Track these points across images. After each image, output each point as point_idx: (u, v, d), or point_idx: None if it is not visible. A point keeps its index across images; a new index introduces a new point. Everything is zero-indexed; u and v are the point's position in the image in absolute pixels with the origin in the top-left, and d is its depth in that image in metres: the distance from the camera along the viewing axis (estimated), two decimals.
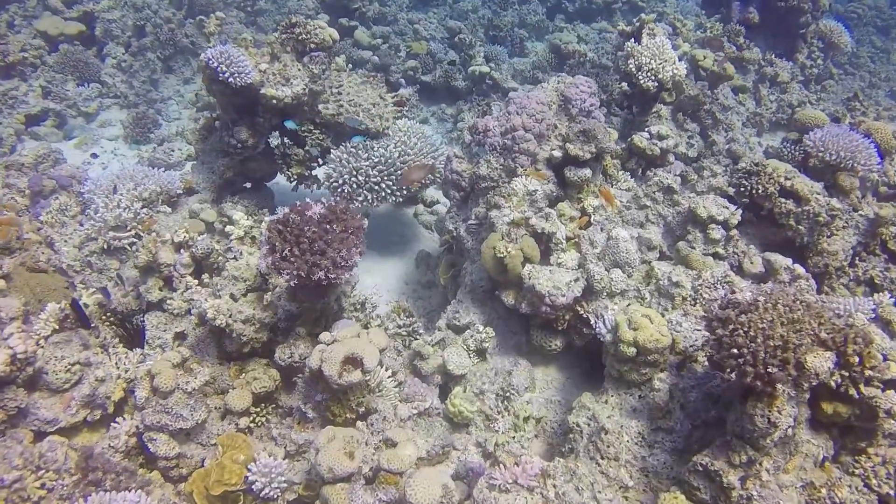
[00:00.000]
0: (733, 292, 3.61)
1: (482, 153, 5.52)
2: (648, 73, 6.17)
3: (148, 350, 4.07)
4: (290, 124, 6.03)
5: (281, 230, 3.60)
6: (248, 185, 6.94)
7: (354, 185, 6.08)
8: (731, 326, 3.40)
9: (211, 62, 5.63)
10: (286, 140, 6.51)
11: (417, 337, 4.93)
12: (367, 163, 6.07)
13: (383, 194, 6.13)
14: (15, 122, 8.50)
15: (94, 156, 8.22)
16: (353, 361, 3.39)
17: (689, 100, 7.74)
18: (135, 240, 5.69)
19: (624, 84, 7.09)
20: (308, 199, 3.95)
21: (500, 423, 4.32)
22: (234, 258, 4.37)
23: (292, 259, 3.53)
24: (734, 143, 7.80)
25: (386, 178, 6.11)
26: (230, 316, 3.77)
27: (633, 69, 6.24)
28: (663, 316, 4.74)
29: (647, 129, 6.29)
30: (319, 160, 6.57)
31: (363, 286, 6.37)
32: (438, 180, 6.49)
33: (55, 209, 6.23)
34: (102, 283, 5.16)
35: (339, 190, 6.13)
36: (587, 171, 5.33)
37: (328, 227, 3.60)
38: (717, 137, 7.86)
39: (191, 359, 3.75)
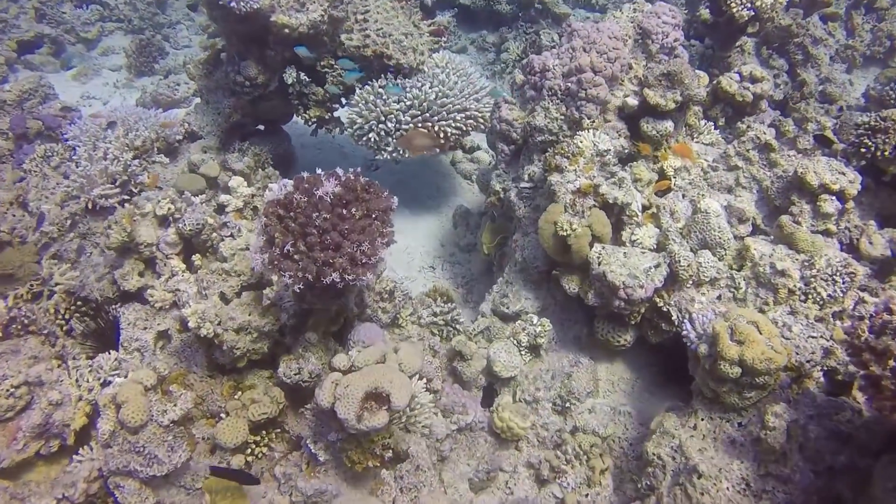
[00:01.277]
0: (891, 311, 2.68)
1: (538, 98, 4.50)
2: (745, 1, 5.02)
3: (123, 354, 3.27)
4: (301, 50, 5.01)
5: (282, 216, 2.71)
6: (261, 126, 6.02)
7: (382, 133, 5.12)
8: (893, 363, 2.48)
9: None
10: (303, 77, 5.52)
11: (457, 328, 4.07)
12: (397, 106, 5.08)
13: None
14: (6, 50, 7.59)
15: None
16: (377, 398, 2.55)
17: (777, 31, 6.52)
18: (126, 198, 4.85)
19: (705, 9, 5.92)
20: (321, 168, 3.04)
21: (570, 476, 3.46)
22: (231, 236, 3.50)
23: (296, 256, 2.65)
24: (830, 84, 6.61)
25: (420, 124, 5.13)
26: (219, 324, 2.94)
27: None
28: (764, 312, 3.81)
29: (735, 70, 5.18)
30: (343, 99, 5.59)
31: (392, 249, 5.50)
32: (482, 127, 5.48)
33: (39, 156, 5.39)
34: (87, 253, 4.34)
35: (364, 138, 5.18)
36: (668, 124, 4.30)
37: (344, 211, 2.70)
38: (807, 76, 6.67)
39: (171, 376, 2.94)
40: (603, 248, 3.83)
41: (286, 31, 4.95)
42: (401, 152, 5.19)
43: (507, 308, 4.20)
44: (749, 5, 5.04)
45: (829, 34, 7.89)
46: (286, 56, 5.27)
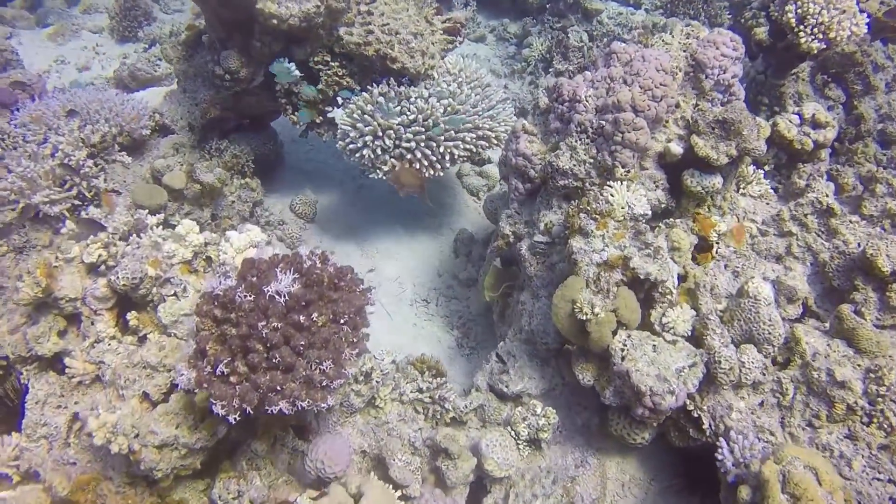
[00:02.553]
0: None
1: (564, 133, 3.78)
2: (815, 30, 4.24)
3: (26, 442, 2.62)
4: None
5: (219, 319, 2.03)
6: (247, 121, 5.30)
7: (378, 150, 4.40)
8: None
9: None
10: (293, 71, 4.78)
11: (445, 405, 3.41)
12: (397, 120, 4.35)
13: (418, 165, 4.44)
14: None
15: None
16: None
17: (839, 57, 5.73)
18: (77, 202, 4.17)
19: (762, 30, 5.15)
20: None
21: None
22: (175, 295, 2.83)
23: (234, 378, 1.97)
24: (891, 123, 5.84)
25: (423, 143, 4.41)
26: (136, 436, 2.28)
27: (792, 20, 4.30)
28: (815, 429, 3.16)
29: (795, 111, 4.44)
30: (339, 99, 4.85)
31: (382, 276, 4.84)
32: (497, 146, 4.76)
33: None
34: (16, 273, 3.66)
35: (356, 155, 4.46)
36: (717, 180, 3.60)
37: (302, 318, 2.01)
38: (865, 110, 5.90)
39: (79, 479, 2.29)
40: (629, 336, 3.15)
41: (274, 21, 4.19)
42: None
43: (507, 387, 3.54)
44: (821, 37, 4.26)
45: (889, 58, 7.09)
46: (274, 49, 4.52)
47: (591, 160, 3.61)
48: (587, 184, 3.63)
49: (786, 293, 3.68)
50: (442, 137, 4.38)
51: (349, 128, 4.39)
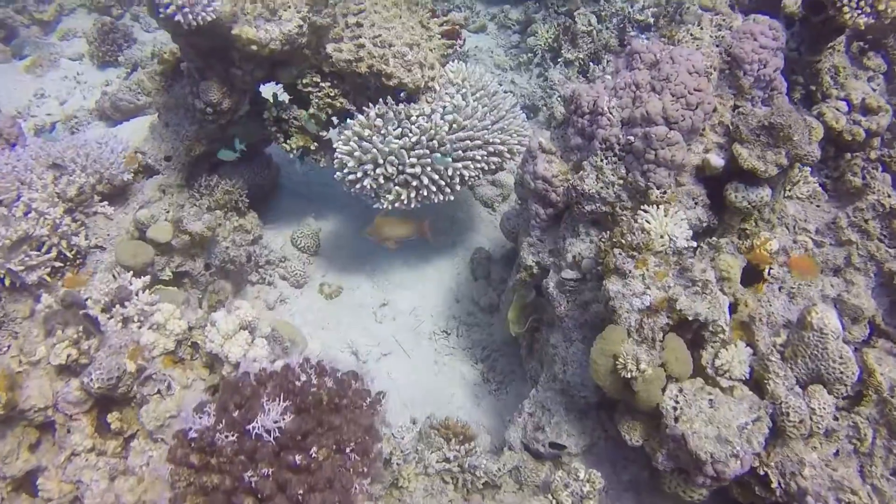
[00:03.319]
0: None
1: (587, 150, 3.35)
2: (861, 2, 3.74)
3: None
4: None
5: (197, 467, 1.65)
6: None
7: (381, 179, 3.98)
8: None
9: None
10: (280, 100, 4.38)
11: (476, 473, 3.03)
12: (398, 142, 3.93)
13: (426, 192, 4.03)
14: None
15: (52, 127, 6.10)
16: None
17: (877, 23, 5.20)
18: (59, 265, 3.81)
19: (793, 1, 4.64)
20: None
21: None
22: (159, 393, 2.46)
23: None
24: None
25: (430, 166, 3.99)
26: None
27: None
28: None
29: (839, 94, 3.97)
30: (335, 119, 4.44)
31: (397, 310, 4.46)
32: (511, 160, 4.33)
33: None
34: None
35: (357, 186, 4.05)
36: (765, 192, 3.15)
37: (298, 458, 1.63)
38: None
39: None
40: (680, 390, 2.74)
41: (253, 47, 3.77)
42: (405, 201, 4.07)
43: (544, 447, 3.15)
44: (869, 10, 3.76)
45: None
46: (257, 75, 4.11)
47: (621, 181, 3.17)
48: (618, 208, 3.20)
49: (850, 313, 3.25)
50: (444, 165, 3.96)
51: (347, 157, 3.98)
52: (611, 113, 3.21)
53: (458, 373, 4.37)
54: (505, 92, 4.47)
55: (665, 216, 3.00)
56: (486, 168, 4.17)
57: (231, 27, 3.76)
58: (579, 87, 3.42)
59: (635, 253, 2.87)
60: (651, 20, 6.09)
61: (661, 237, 2.94)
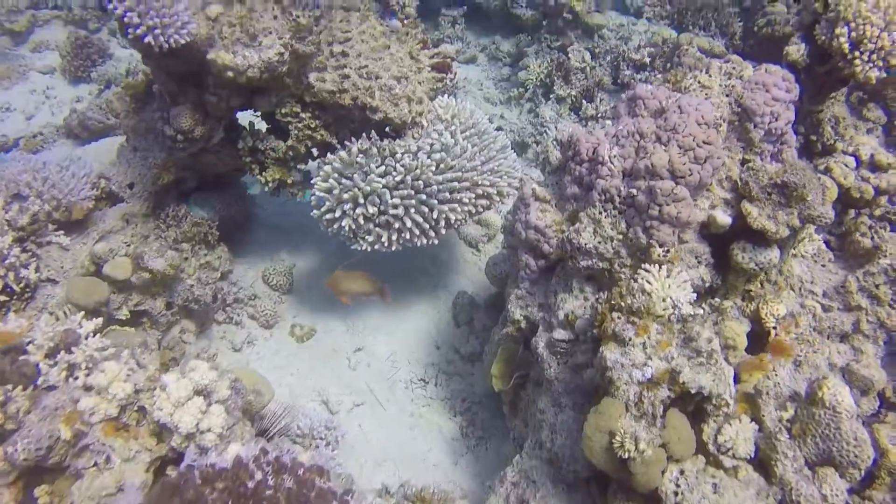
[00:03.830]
0: None
1: (585, 201, 3.12)
2: (873, 56, 3.57)
3: None
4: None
5: None
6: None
7: (361, 219, 3.72)
8: None
9: (114, 8, 3.18)
10: (257, 129, 4.12)
11: None
12: (380, 181, 3.67)
13: (408, 234, 3.77)
14: None
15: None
16: None
17: None
18: (5, 300, 3.50)
19: (797, 49, 4.49)
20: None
21: None
22: (96, 465, 2.15)
23: None
24: None
25: (414, 207, 3.73)
26: None
27: (845, 45, 3.63)
28: None
29: (848, 150, 3.80)
30: (314, 150, 4.18)
31: (372, 356, 4.17)
32: (500, 202, 4.09)
33: None
34: None
35: (335, 226, 3.78)
36: (773, 255, 2.94)
37: None
38: None
39: None
40: (682, 473, 2.49)
41: (230, 74, 3.51)
42: (385, 244, 3.80)
43: None
44: (881, 64, 3.59)
45: None
46: (233, 103, 3.84)
47: (620, 236, 2.94)
48: (616, 265, 2.96)
49: (859, 384, 3.04)
50: (435, 201, 3.71)
51: (324, 194, 3.72)
52: (612, 163, 2.98)
53: (436, 426, 4.08)
54: (496, 129, 4.24)
55: (667, 277, 2.77)
56: (474, 211, 3.92)
57: (207, 51, 3.50)
58: (578, 132, 3.20)
59: (636, 318, 2.62)
60: (647, 60, 5.93)
61: (664, 300, 2.69)
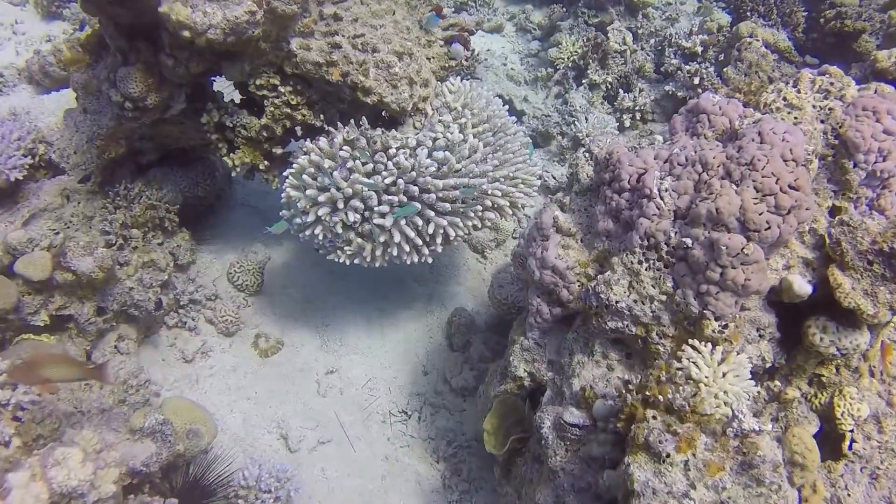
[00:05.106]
0: None
1: (621, 241, 2.40)
2: None
3: None
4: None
5: None
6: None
7: (339, 228, 3.01)
8: None
9: None
10: (227, 101, 3.40)
11: None
12: (367, 182, 2.96)
13: (396, 250, 3.07)
14: None
15: None
16: None
17: None
18: None
19: (887, 55, 3.72)
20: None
21: None
22: None
23: None
24: None
25: (405, 217, 3.02)
26: None
27: None
28: None
29: None
30: (298, 129, 3.46)
31: (347, 380, 3.53)
32: (513, 216, 3.37)
33: None
34: None
35: (305, 232, 3.08)
36: (863, 340, 2.23)
37: None
38: None
39: None
40: None
41: (186, 34, 2.78)
42: (367, 258, 3.11)
43: None
44: None
45: None
46: (194, 69, 3.12)
47: (664, 297, 2.23)
48: (654, 334, 2.26)
49: None
50: (432, 212, 2.99)
51: (296, 193, 3.01)
52: (662, 198, 2.26)
53: (414, 473, 3.44)
54: (516, 125, 3.49)
55: (723, 363, 2.07)
56: (480, 225, 3.21)
57: (159, 2, 2.76)
58: (619, 150, 2.47)
59: (676, 424, 1.93)
60: (699, 49, 5.11)
61: (716, 397, 2.00)
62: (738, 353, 2.09)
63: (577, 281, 2.49)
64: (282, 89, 3.23)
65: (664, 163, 2.36)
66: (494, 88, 5.46)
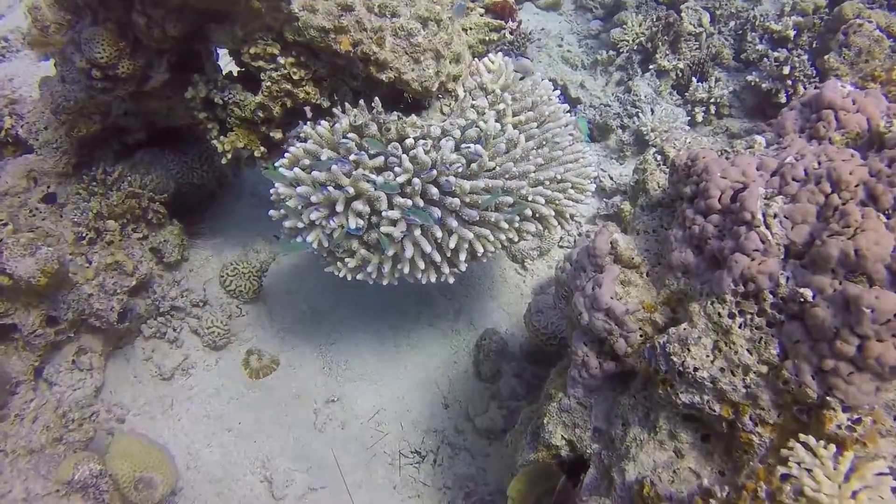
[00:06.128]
0: None
1: (706, 282, 1.73)
2: None
3: None
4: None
5: None
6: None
7: (336, 235, 2.41)
8: None
9: None
10: (216, 76, 2.83)
11: None
12: (377, 180, 2.35)
13: (408, 267, 2.45)
14: None
15: None
16: None
17: None
18: None
19: None
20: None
21: None
22: None
23: None
24: None
25: (421, 227, 2.40)
26: None
27: None
28: None
29: None
30: (307, 109, 2.86)
31: (350, 412, 2.96)
32: (560, 226, 2.71)
33: None
34: None
35: (297, 237, 2.49)
36: None
37: None
38: None
39: None
40: None
41: None
42: (373, 274, 2.50)
43: None
44: None
45: None
46: (172, 31, 2.55)
47: (765, 369, 1.56)
48: (747, 418, 1.59)
49: None
50: (455, 221, 2.37)
51: (286, 190, 2.42)
52: (767, 226, 1.59)
53: None
54: (570, 114, 2.83)
55: (853, 477, 1.40)
56: (516, 239, 2.57)
57: None
58: (707, 154, 1.80)
59: None
60: (791, 32, 4.34)
61: None
62: (877, 466, 1.42)
63: (640, 329, 1.84)
64: (281, 60, 2.64)
65: (772, 176, 1.68)
66: (547, 72, 4.78)
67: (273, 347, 3.23)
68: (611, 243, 1.88)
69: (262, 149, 2.88)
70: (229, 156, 2.85)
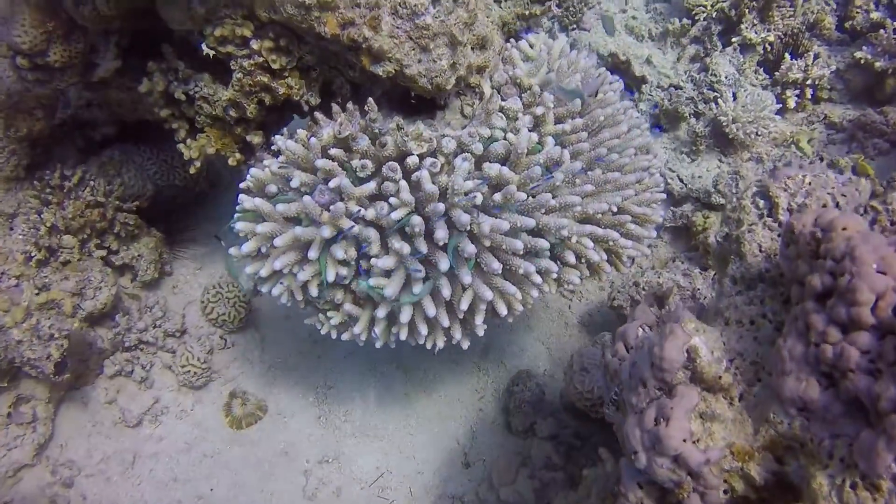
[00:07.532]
0: None
1: (833, 431, 1.06)
2: None
3: None
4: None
5: None
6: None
7: (313, 288, 1.81)
8: None
9: None
10: (178, 64, 2.23)
11: None
12: (369, 214, 1.73)
13: (405, 332, 1.84)
14: None
15: None
16: None
17: None
18: None
19: None
20: None
21: None
22: None
23: None
24: None
25: (423, 280, 1.77)
26: None
27: None
28: None
29: None
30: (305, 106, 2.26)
31: (349, 474, 2.41)
32: (616, 270, 2.05)
33: None
34: None
35: (262, 288, 1.91)
36: None
37: None
38: None
39: None
40: None
41: None
42: (361, 335, 1.91)
43: None
44: None
45: None
46: (113, 8, 1.96)
47: None
48: None
49: None
50: (468, 274, 1.75)
51: (245, 226, 1.83)
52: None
53: None
54: (634, 112, 2.14)
55: None
56: (552, 291, 1.93)
57: None
58: (851, 222, 1.12)
59: None
60: None
61: None
62: None
63: (725, 484, 1.20)
64: (255, 45, 2.03)
65: None
66: (607, 45, 4.03)
67: (261, 388, 2.70)
68: (687, 352, 1.24)
69: (237, 155, 2.31)
70: (198, 164, 2.28)
